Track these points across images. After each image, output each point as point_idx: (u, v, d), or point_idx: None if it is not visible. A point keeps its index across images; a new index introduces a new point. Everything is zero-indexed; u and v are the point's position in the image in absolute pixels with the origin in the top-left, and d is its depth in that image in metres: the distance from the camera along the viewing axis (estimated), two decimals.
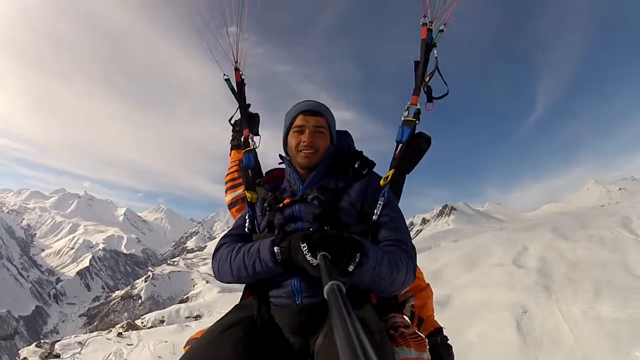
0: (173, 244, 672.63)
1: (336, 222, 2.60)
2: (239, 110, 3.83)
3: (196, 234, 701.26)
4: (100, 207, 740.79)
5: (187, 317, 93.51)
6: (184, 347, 2.42)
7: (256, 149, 3.46)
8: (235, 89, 3.85)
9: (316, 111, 2.91)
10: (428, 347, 2.46)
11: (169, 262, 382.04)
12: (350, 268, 2.08)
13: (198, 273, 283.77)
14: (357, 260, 2.09)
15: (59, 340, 48.50)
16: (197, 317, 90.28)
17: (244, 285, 2.98)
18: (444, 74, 3.22)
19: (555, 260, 27.35)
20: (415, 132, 3.14)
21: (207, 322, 52.03)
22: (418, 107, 3.17)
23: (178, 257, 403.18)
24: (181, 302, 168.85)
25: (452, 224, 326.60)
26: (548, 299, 21.10)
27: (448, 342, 3.46)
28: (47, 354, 42.77)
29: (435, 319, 3.62)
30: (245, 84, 3.89)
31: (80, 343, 45.65)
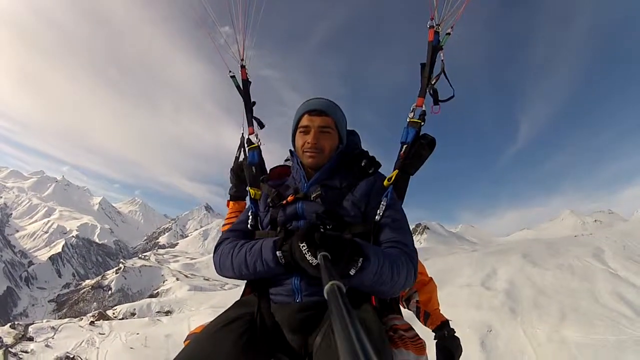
0: (145, 238, 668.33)
1: (339, 221, 2.59)
2: (244, 109, 3.80)
3: (169, 230, 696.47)
4: (76, 193, 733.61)
5: (158, 312, 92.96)
6: (184, 342, 2.44)
7: (260, 146, 3.56)
8: (241, 86, 3.85)
9: (322, 110, 2.88)
10: (427, 349, 2.47)
11: (140, 256, 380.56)
12: (352, 272, 2.09)
13: (169, 269, 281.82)
14: (360, 264, 2.09)
15: (32, 323, 48.22)
16: (168, 313, 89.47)
17: (244, 280, 3.02)
18: (450, 77, 3.24)
19: (524, 285, 28.15)
20: (420, 133, 3.15)
21: (178, 318, 52.19)
22: (424, 108, 3.20)
23: (149, 252, 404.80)
24: (151, 296, 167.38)
25: (424, 242, 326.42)
26: (513, 321, 21.89)
27: (455, 334, 3.48)
28: (20, 335, 42.45)
29: (441, 312, 3.63)
30: (250, 82, 3.88)
31: (53, 328, 45.28)
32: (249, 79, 3.85)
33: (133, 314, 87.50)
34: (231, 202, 4.05)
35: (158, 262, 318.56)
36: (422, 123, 3.12)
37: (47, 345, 40.16)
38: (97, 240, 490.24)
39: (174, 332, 44.14)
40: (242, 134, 3.77)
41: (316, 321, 2.39)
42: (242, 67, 3.86)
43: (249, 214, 2.96)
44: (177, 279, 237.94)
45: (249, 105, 3.75)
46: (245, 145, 3.63)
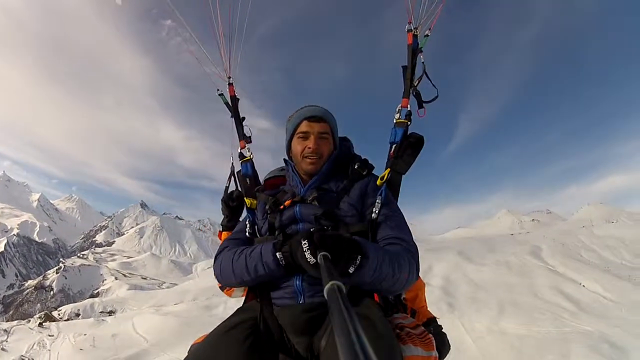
0: (82, 236, 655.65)
1: (337, 223, 2.62)
2: (234, 125, 3.80)
3: (105, 228, 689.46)
4: (16, 189, 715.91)
5: (101, 312, 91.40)
6: (188, 352, 2.35)
7: (252, 159, 3.57)
8: (230, 103, 3.86)
9: (320, 117, 2.94)
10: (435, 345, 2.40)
11: (78, 254, 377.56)
12: (351, 270, 2.06)
13: (107, 269, 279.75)
14: (358, 262, 2.07)
15: None
16: (111, 313, 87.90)
17: (241, 287, 3.00)
18: (432, 77, 3.29)
19: (460, 281, 28.98)
20: (408, 132, 3.19)
21: (122, 318, 51.84)
22: (409, 109, 3.24)
23: (87, 251, 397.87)
24: (92, 296, 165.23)
25: None
26: (451, 314, 22.65)
27: (442, 330, 3.33)
28: None
29: (428, 309, 3.53)
30: (239, 99, 3.90)
31: (5, 331, 44.52)
32: (237, 96, 3.92)
33: (78, 315, 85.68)
34: (224, 233, 3.73)
35: (96, 261, 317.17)
36: (409, 123, 3.23)
37: (2, 349, 39.69)
38: (36, 239, 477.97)
39: (120, 331, 43.67)
40: (232, 162, 3.71)
41: (320, 322, 2.38)
42: (230, 84, 3.93)
43: (247, 222, 3.01)
44: (116, 278, 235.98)
45: (238, 121, 3.79)
46: (238, 158, 3.63)
